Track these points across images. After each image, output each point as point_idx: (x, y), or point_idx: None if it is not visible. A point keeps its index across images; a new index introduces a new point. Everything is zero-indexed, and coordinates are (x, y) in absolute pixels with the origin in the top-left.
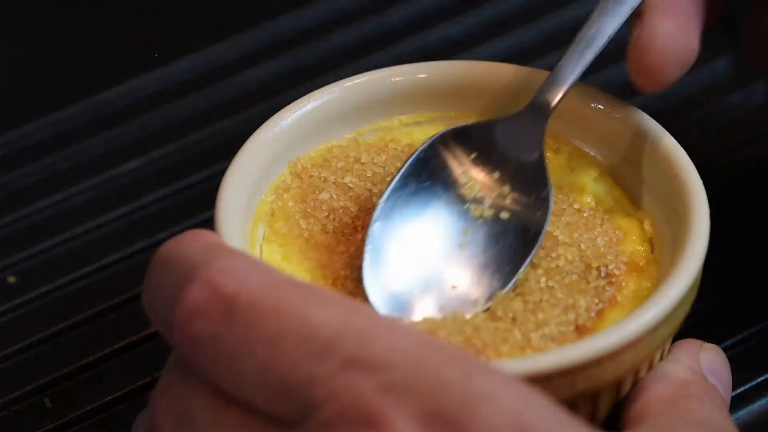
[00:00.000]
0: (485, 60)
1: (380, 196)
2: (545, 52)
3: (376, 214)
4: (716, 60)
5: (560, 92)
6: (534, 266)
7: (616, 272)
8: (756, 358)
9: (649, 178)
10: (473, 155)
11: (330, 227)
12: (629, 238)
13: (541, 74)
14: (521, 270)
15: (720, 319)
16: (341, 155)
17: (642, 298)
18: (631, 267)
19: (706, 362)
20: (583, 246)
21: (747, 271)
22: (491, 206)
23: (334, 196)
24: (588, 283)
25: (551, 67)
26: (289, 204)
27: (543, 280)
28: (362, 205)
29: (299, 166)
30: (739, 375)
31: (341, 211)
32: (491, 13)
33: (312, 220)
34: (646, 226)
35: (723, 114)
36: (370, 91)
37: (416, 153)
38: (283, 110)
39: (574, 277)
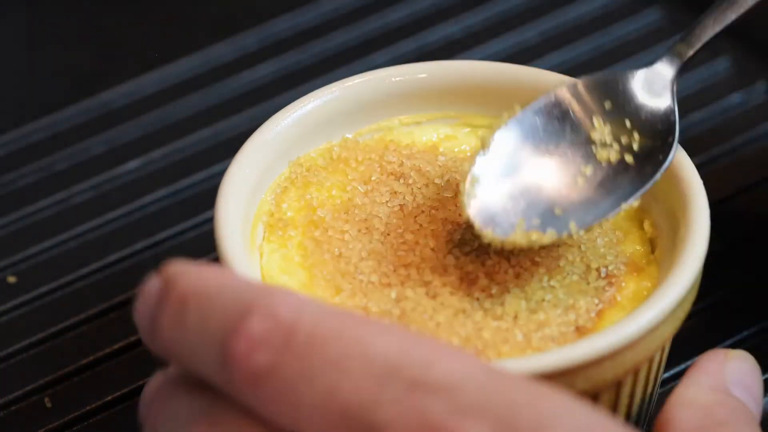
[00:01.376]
0: (485, 60)
1: (381, 199)
2: (545, 52)
3: (496, 136)
4: (716, 60)
5: (695, 47)
6: (536, 264)
7: (616, 273)
8: (756, 359)
9: None
10: (606, 104)
11: (331, 230)
12: (629, 239)
13: (541, 74)
14: (624, 204)
15: (720, 319)
16: (341, 155)
17: (642, 298)
18: (631, 267)
19: (732, 375)
20: (583, 247)
21: (747, 271)
22: (618, 151)
23: (335, 196)
24: (588, 283)
25: (551, 67)
26: (290, 205)
27: (545, 278)
28: (363, 207)
29: (299, 166)
30: None
31: (342, 212)
32: (491, 13)
33: (313, 222)
34: (646, 226)
35: (723, 114)
36: (370, 91)
37: (547, 94)
38: (283, 110)
39: (575, 277)
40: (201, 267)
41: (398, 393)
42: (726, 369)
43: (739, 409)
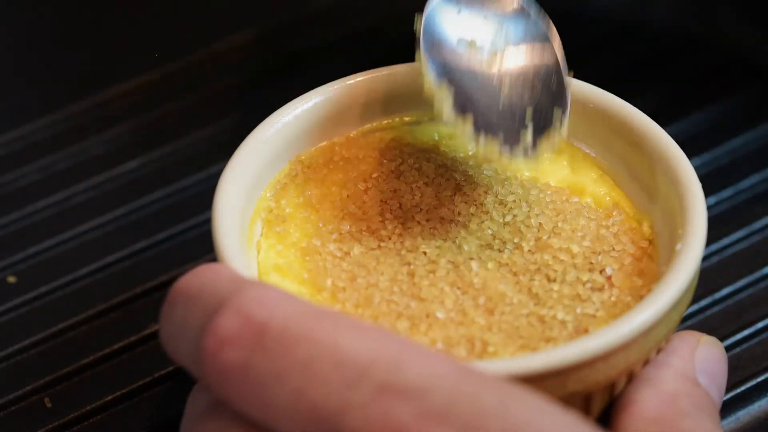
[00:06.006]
0: None
1: (380, 197)
2: None
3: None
4: None
5: None
6: (534, 263)
7: (614, 273)
8: (756, 358)
9: (648, 179)
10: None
11: (329, 227)
12: (628, 239)
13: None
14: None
15: (720, 319)
16: (342, 154)
17: (639, 298)
18: (629, 268)
19: (700, 362)
20: (582, 246)
21: (747, 271)
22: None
23: (334, 193)
24: (585, 283)
25: None
26: (289, 201)
27: (542, 277)
28: (362, 205)
29: (299, 164)
30: (739, 375)
31: (341, 210)
32: None
33: (311, 219)
34: (645, 227)
35: (723, 114)
36: (370, 90)
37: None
38: (284, 107)
39: (572, 276)
40: (201, 266)
41: (366, 397)
42: (696, 354)
43: (704, 400)
